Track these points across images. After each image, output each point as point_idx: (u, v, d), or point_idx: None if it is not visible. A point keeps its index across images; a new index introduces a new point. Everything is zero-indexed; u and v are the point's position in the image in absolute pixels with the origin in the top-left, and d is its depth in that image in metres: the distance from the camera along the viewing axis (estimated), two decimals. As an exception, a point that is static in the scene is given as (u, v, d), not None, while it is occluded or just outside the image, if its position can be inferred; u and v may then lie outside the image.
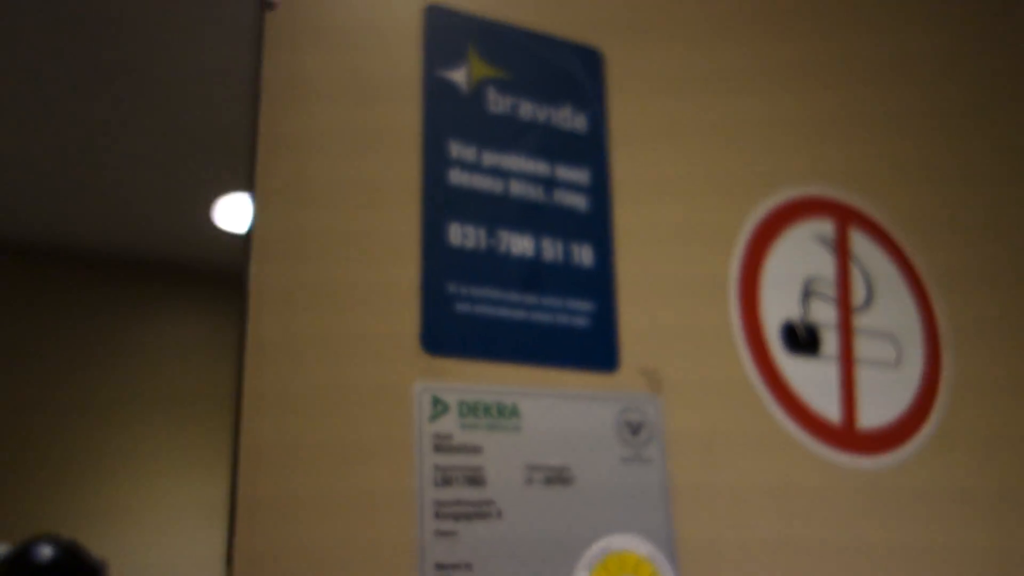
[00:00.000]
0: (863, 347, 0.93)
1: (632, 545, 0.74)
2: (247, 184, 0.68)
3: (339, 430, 0.67)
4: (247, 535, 0.62)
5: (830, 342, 0.91)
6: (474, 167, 0.79)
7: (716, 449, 0.81)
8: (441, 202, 0.77)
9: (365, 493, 0.67)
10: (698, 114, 0.92)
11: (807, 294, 0.92)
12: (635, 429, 0.78)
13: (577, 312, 0.79)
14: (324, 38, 0.76)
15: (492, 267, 0.77)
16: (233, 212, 2.78)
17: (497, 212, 0.79)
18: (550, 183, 0.82)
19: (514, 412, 0.74)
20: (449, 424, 0.71)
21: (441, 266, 0.75)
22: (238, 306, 0.66)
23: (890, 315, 0.95)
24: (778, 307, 0.90)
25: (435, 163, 0.77)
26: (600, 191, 0.84)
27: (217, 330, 3.10)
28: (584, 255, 0.81)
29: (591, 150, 0.85)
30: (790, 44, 1.01)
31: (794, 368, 0.89)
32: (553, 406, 0.75)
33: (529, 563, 0.70)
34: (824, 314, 0.92)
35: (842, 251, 0.96)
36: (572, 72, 0.87)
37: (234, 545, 0.60)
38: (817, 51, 1.02)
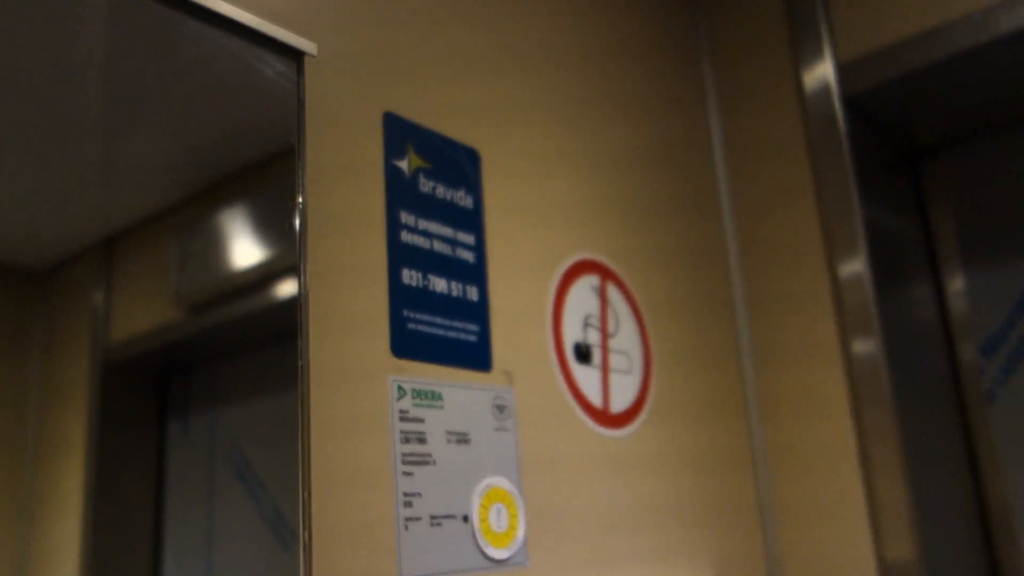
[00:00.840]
0: (613, 360, 1.46)
1: (501, 483, 1.17)
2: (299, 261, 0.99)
3: (350, 405, 1.01)
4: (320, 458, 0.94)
5: (596, 356, 1.43)
6: (414, 230, 1.16)
7: (541, 422, 1.27)
8: (398, 254, 1.12)
9: (365, 443, 1.01)
10: (531, 195, 1.38)
11: (586, 325, 1.42)
12: (501, 409, 1.21)
13: (470, 332, 1.20)
14: (333, 126, 1.08)
15: (425, 299, 1.15)
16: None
17: (427, 262, 1.16)
18: (454, 243, 1.22)
19: (439, 397, 1.12)
20: (407, 403, 1.08)
21: (400, 298, 1.11)
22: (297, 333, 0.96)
23: (627, 340, 1.50)
24: (572, 332, 1.39)
25: (393, 226, 1.13)
26: (480, 250, 1.26)
27: None
28: (472, 293, 1.22)
29: (475, 221, 1.26)
30: (584, 135, 1.51)
31: (579, 372, 1.38)
32: (459, 393, 1.15)
33: (450, 493, 1.10)
34: (594, 338, 1.43)
35: (603, 298, 1.48)
36: (463, 165, 1.27)
37: (309, 457, 0.92)
38: (596, 143, 1.53)
